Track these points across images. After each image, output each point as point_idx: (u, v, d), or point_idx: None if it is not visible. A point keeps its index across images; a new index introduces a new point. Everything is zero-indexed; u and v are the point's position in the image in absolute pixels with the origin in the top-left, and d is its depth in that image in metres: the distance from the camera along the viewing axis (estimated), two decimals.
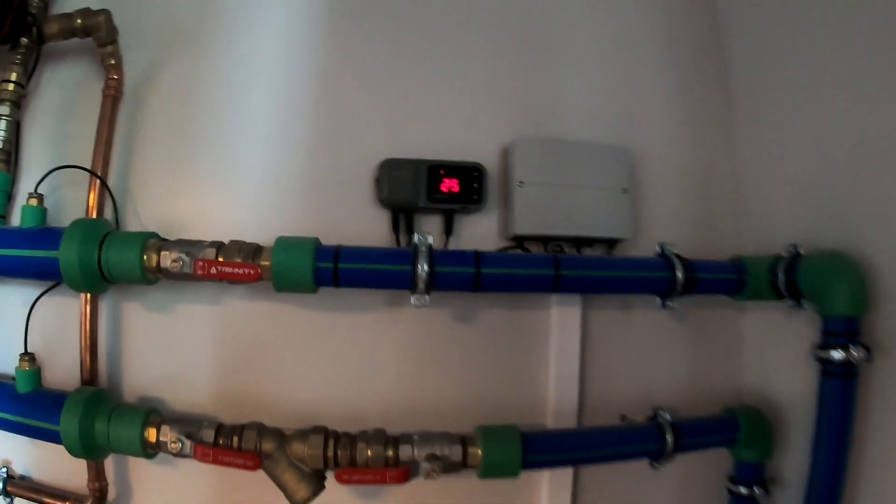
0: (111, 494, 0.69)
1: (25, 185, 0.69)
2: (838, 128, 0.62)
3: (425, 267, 0.55)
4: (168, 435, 0.57)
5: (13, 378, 0.66)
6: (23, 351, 0.64)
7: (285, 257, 0.53)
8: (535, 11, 0.69)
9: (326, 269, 0.54)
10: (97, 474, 0.68)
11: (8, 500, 0.76)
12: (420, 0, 0.68)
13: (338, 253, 0.55)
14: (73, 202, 0.68)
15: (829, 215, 0.63)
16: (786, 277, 0.63)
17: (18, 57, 0.69)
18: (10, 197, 0.69)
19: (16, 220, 0.69)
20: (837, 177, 0.62)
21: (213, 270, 0.52)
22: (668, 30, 0.72)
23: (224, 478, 0.69)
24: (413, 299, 0.56)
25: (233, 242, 0.56)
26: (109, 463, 0.67)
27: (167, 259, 0.54)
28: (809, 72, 0.64)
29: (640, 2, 0.72)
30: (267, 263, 0.53)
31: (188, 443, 0.55)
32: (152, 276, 0.57)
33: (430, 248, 0.56)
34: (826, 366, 0.58)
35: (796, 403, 0.66)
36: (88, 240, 0.57)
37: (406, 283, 0.56)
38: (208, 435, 0.56)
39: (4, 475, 0.74)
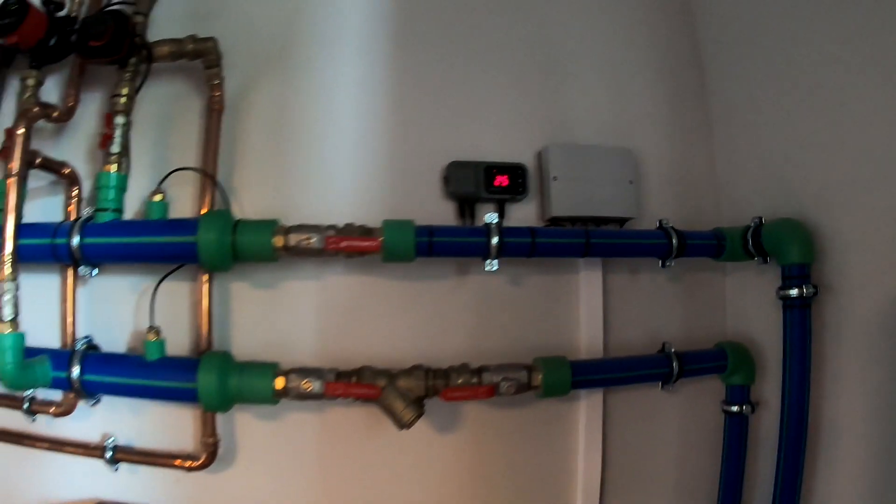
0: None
1: (133, 185, 0.95)
2: (790, 130, 1.01)
3: (496, 239, 0.88)
4: (296, 381, 0.85)
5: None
6: (149, 325, 0.90)
7: (394, 234, 0.84)
8: (553, 48, 1.03)
9: (423, 243, 0.85)
10: (211, 430, 0.94)
11: (114, 466, 1.00)
12: (470, 36, 1.01)
13: (431, 230, 0.87)
14: (176, 198, 0.95)
15: (784, 194, 1.01)
16: (753, 241, 1.00)
17: (128, 74, 0.96)
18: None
19: (128, 214, 0.95)
20: (790, 165, 1.00)
21: (343, 244, 0.82)
22: (656, 55, 1.09)
23: (320, 429, 0.97)
24: (486, 265, 0.88)
25: (347, 225, 0.86)
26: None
27: (298, 239, 0.83)
28: (772, 85, 1.02)
29: (633, 32, 1.09)
30: (379, 239, 0.84)
31: (319, 382, 0.84)
32: (278, 255, 0.86)
33: (498, 224, 0.89)
34: (787, 301, 0.95)
35: (770, 339, 1.03)
36: (224, 227, 0.85)
37: (481, 251, 0.88)
38: (331, 377, 0.85)
39: (113, 443, 0.99)
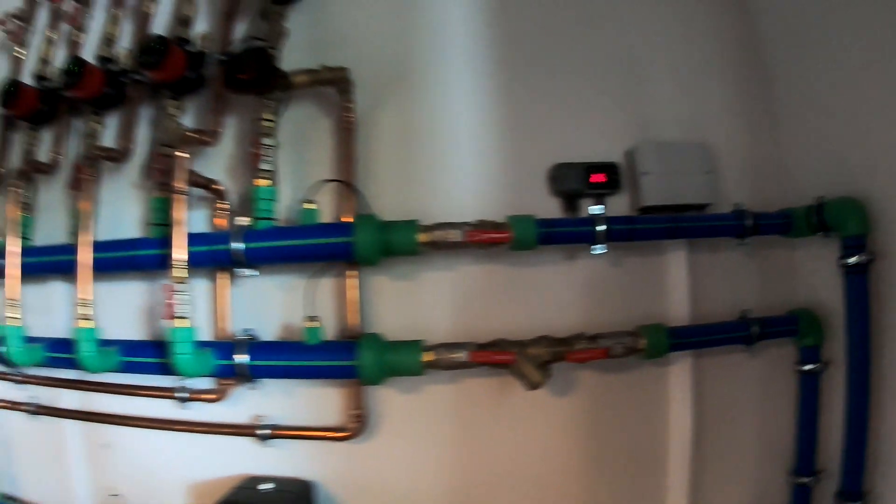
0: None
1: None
2: (847, 116, 1.24)
3: (602, 227, 1.13)
4: (444, 353, 1.10)
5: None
6: (308, 315, 1.15)
7: (520, 227, 1.09)
8: (634, 58, 1.29)
9: (543, 233, 1.11)
10: (359, 404, 1.20)
11: (266, 444, 1.26)
12: (562, 53, 1.27)
13: (550, 222, 1.12)
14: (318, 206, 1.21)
15: (841, 173, 1.26)
16: (817, 219, 1.25)
17: (270, 101, 1.21)
18: None
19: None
20: (847, 148, 1.25)
21: (483, 237, 1.07)
22: (724, 55, 1.33)
23: (454, 398, 1.23)
24: (593, 249, 1.13)
25: (480, 221, 1.11)
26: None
27: (440, 234, 1.08)
28: (829, 77, 1.25)
29: (701, 37, 1.33)
30: (507, 232, 1.09)
31: (464, 352, 1.09)
32: (421, 249, 1.10)
33: (603, 215, 1.14)
34: (847, 268, 1.20)
35: (835, 304, 1.28)
36: (377, 228, 1.10)
37: (589, 238, 1.13)
38: (473, 348, 1.10)
39: (267, 423, 1.25)
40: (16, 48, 1.63)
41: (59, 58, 1.58)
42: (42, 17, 1.67)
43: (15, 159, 1.56)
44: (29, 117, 1.50)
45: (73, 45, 1.52)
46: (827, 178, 1.29)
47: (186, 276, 1.14)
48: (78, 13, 1.54)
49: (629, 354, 1.13)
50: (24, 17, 1.65)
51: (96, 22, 1.55)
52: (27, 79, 1.58)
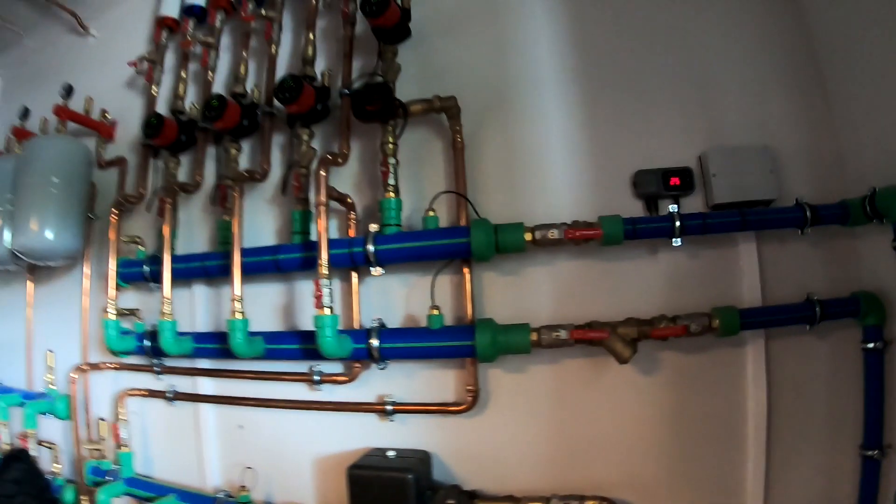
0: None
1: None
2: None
3: (678, 223, 1.44)
4: (547, 333, 1.43)
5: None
6: (431, 304, 1.51)
7: (609, 225, 1.44)
8: (701, 71, 1.62)
9: (629, 229, 1.44)
10: (473, 381, 1.54)
11: (391, 419, 1.61)
12: (638, 71, 1.62)
13: (633, 220, 1.44)
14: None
15: (893, 165, 1.54)
16: (871, 207, 1.52)
17: (390, 127, 1.59)
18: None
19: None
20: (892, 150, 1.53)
21: (578, 234, 1.41)
22: (782, 63, 1.64)
23: (553, 377, 1.56)
24: (673, 242, 1.45)
25: (575, 221, 1.44)
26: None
27: (543, 233, 1.42)
28: (880, 78, 1.53)
29: (760, 47, 1.64)
30: (599, 230, 1.42)
31: (564, 331, 1.42)
32: (527, 246, 1.44)
33: (678, 213, 1.45)
34: None
35: (894, 286, 1.55)
36: (490, 229, 1.46)
37: (668, 233, 1.45)
38: (571, 328, 1.43)
39: (393, 400, 1.60)
40: (151, 86, 2.09)
41: (190, 94, 2.02)
42: (170, 58, 2.12)
43: (157, 182, 2.01)
44: (169, 146, 1.94)
45: (205, 83, 1.95)
46: (881, 168, 1.57)
47: (328, 273, 1.51)
48: (206, 55, 1.97)
49: (705, 332, 1.44)
50: (155, 59, 2.10)
51: (222, 62, 1.99)
52: (162, 110, 2.02)
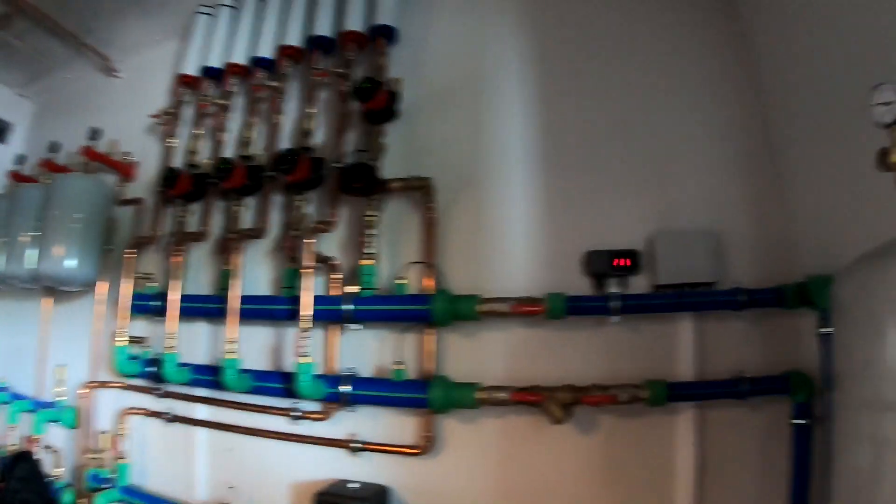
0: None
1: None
2: (831, 209, 1.85)
3: (619, 302, 1.82)
4: (491, 393, 1.82)
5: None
6: (395, 360, 1.92)
7: (553, 302, 1.81)
8: (655, 160, 1.97)
9: (572, 306, 1.82)
10: (429, 428, 1.94)
11: (357, 455, 2.03)
12: (595, 159, 1.98)
13: (577, 298, 1.83)
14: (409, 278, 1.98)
15: (822, 253, 1.87)
16: (802, 293, 1.86)
17: (373, 202, 2.01)
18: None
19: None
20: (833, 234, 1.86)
21: (523, 309, 1.80)
22: (734, 154, 1.97)
23: (501, 430, 1.95)
24: (612, 320, 1.83)
25: (523, 297, 1.83)
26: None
27: (492, 306, 1.82)
28: (829, 178, 1.87)
29: (715, 138, 1.99)
30: (543, 306, 1.81)
31: (505, 393, 1.81)
32: (479, 316, 1.84)
33: (619, 293, 1.83)
34: (821, 337, 1.80)
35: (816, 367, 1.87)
36: (448, 300, 1.86)
37: (607, 311, 1.83)
38: (513, 390, 1.82)
39: (358, 438, 2.02)
40: (168, 139, 2.57)
41: (204, 149, 2.50)
42: (188, 113, 2.61)
43: (168, 226, 2.48)
44: (182, 196, 2.41)
45: (217, 142, 2.42)
46: (818, 257, 1.91)
47: (310, 325, 1.94)
48: (218, 116, 2.44)
49: (634, 402, 1.79)
50: (174, 113, 2.59)
51: (233, 121, 2.46)
52: (177, 163, 2.50)
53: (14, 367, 3.10)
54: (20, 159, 3.09)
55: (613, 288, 1.87)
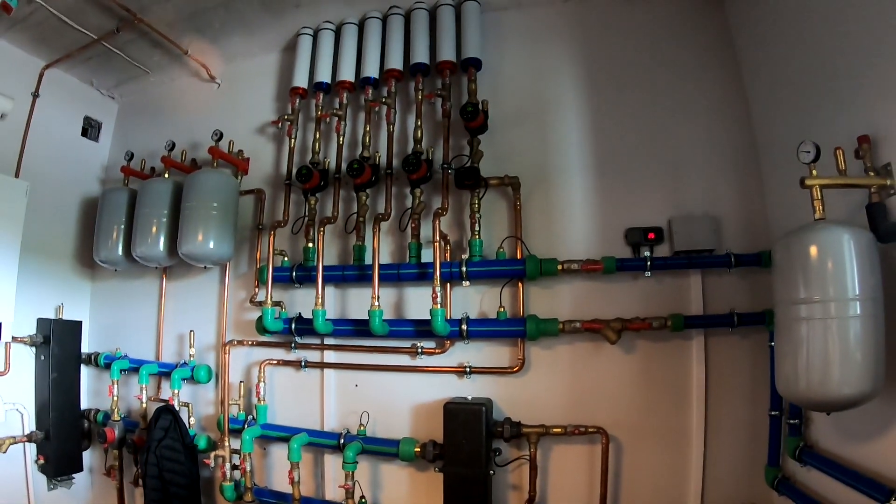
0: None
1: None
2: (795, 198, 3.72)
3: (650, 263, 3.69)
4: (568, 324, 3.66)
5: None
6: (498, 305, 3.75)
7: (607, 262, 3.66)
8: (673, 160, 3.82)
9: (619, 265, 3.67)
10: (522, 354, 3.80)
11: (468, 378, 3.90)
12: (630, 158, 3.82)
13: (622, 260, 3.68)
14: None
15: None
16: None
17: (476, 193, 3.84)
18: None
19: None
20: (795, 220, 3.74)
21: (588, 267, 3.65)
22: (728, 155, 3.82)
23: (570, 353, 3.81)
24: (646, 274, 3.69)
25: (587, 259, 3.68)
26: None
27: (568, 264, 3.65)
28: (791, 167, 3.72)
29: (718, 150, 3.84)
30: (601, 265, 3.65)
31: (579, 323, 3.65)
32: (558, 272, 3.68)
33: (649, 256, 3.70)
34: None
35: None
36: (536, 261, 3.69)
37: (642, 268, 3.69)
38: (583, 321, 3.66)
39: (470, 365, 3.89)
40: (289, 140, 4.33)
41: (321, 150, 4.28)
42: (300, 120, 4.38)
43: (293, 212, 4.26)
44: (313, 189, 4.15)
45: (338, 146, 4.18)
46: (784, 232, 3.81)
47: (438, 284, 3.74)
48: (339, 125, 4.20)
49: (662, 328, 3.62)
50: (292, 120, 4.33)
51: (348, 128, 4.24)
52: (294, 162, 4.28)
53: (124, 337, 4.82)
54: (129, 155, 4.73)
55: (646, 252, 3.73)
